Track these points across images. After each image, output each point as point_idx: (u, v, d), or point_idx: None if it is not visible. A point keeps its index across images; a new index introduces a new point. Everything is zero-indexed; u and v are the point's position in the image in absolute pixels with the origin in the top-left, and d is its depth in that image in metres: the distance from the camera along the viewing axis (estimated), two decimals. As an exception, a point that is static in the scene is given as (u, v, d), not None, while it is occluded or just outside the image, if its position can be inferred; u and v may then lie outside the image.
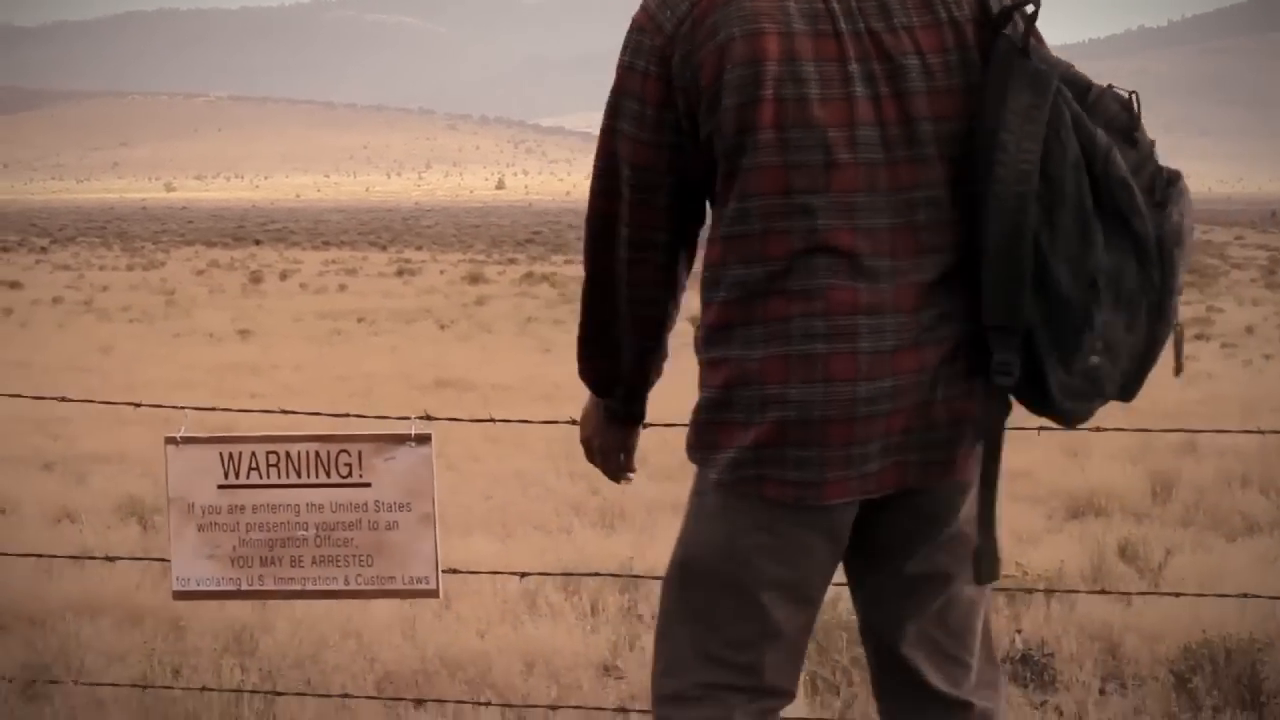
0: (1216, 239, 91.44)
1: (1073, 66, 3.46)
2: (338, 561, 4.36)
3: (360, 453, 4.36)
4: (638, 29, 3.51)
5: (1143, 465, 14.25)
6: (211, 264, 68.02)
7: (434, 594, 4.38)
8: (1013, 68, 3.39)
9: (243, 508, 4.38)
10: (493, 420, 5.46)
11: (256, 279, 56.79)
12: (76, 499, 12.44)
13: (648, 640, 7.56)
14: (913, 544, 3.55)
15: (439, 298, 47.30)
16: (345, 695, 6.15)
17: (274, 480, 4.38)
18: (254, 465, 4.39)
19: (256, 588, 4.37)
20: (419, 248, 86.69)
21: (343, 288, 52.44)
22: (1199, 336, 32.74)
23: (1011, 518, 11.43)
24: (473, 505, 12.33)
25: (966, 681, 3.64)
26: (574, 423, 4.03)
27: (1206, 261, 64.29)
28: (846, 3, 3.43)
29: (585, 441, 3.90)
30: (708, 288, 3.52)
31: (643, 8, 3.52)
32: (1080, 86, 3.45)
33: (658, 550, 9.92)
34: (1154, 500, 12.79)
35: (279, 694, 6.01)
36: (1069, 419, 3.47)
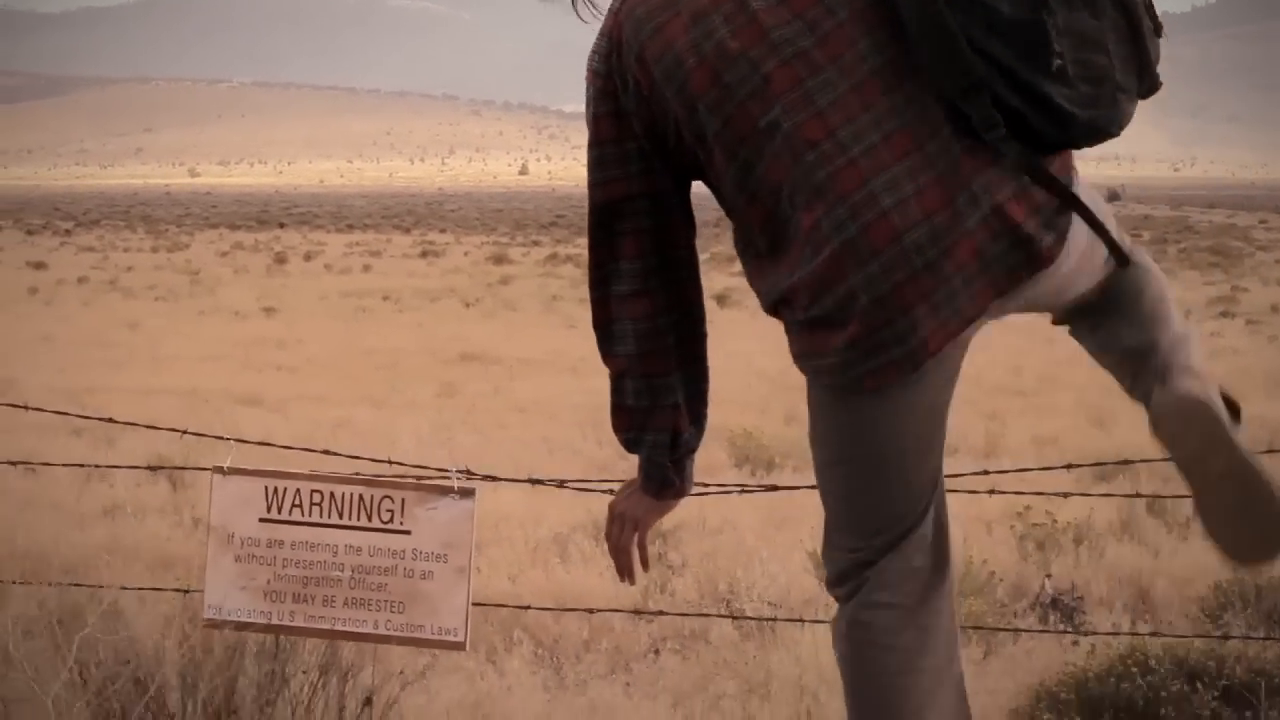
0: (1241, 222, 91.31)
1: None
2: (369, 605, 4.37)
3: (403, 500, 4.39)
4: (587, 84, 3.73)
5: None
6: (236, 246, 68.12)
7: (461, 647, 4.40)
8: None
9: (281, 543, 4.38)
10: (532, 481, 5.37)
11: (281, 260, 56.88)
12: (106, 459, 12.51)
13: (678, 584, 7.60)
14: (1062, 307, 3.72)
15: (463, 277, 47.33)
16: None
17: (315, 519, 4.39)
18: (297, 502, 4.40)
19: (286, 623, 4.35)
20: (443, 230, 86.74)
21: (367, 268, 52.50)
22: (1224, 314, 32.80)
23: (1039, 480, 11.44)
24: (499, 467, 12.35)
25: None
26: (610, 492, 4.03)
27: (1231, 244, 64.36)
28: None
29: (610, 507, 3.92)
30: (748, 253, 3.66)
31: (586, 68, 3.74)
32: None
33: (684, 502, 9.94)
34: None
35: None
36: (1105, 127, 3.53)
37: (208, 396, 18.97)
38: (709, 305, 3.97)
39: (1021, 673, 5.35)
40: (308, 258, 58.81)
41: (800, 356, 3.62)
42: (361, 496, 4.36)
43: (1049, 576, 7.31)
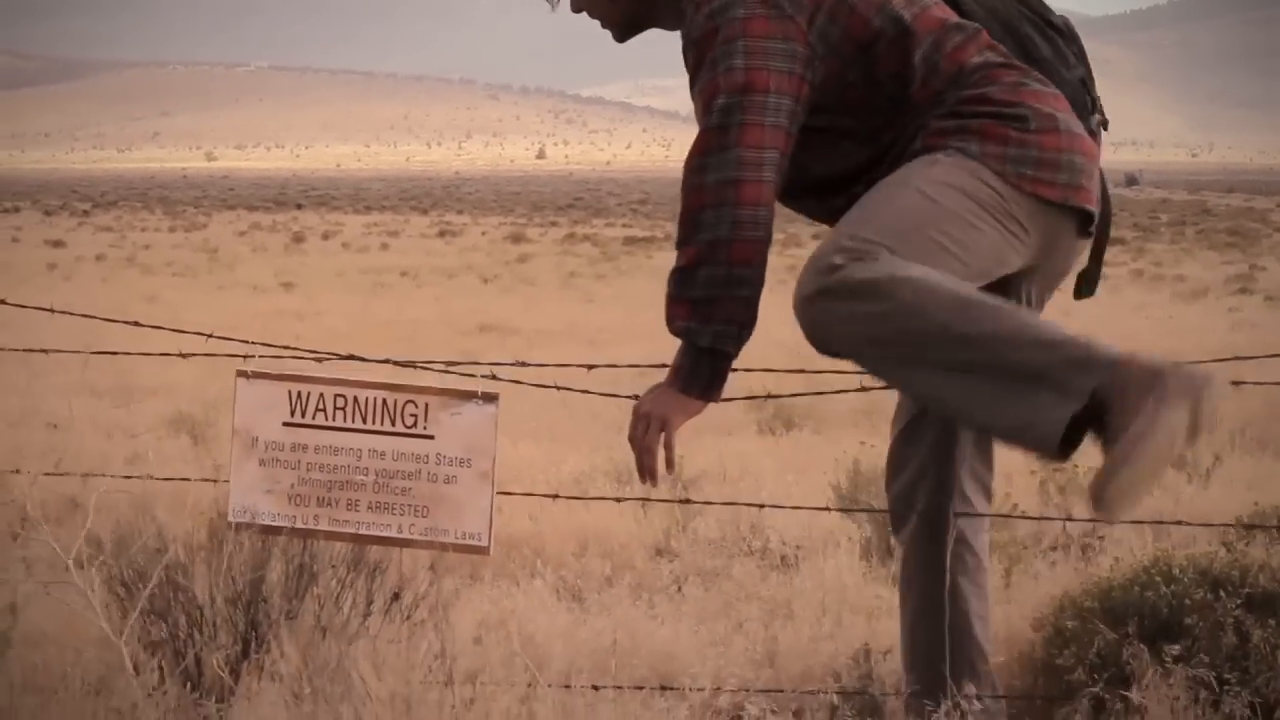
0: (1259, 206, 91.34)
1: None
2: (393, 509, 4.38)
3: (427, 405, 4.39)
4: None
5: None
6: (253, 226, 68.16)
7: (485, 551, 4.41)
8: None
9: (305, 447, 4.39)
10: (559, 386, 5.35)
11: (299, 239, 56.94)
12: (128, 416, 12.57)
13: (700, 524, 7.62)
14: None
15: (481, 255, 47.36)
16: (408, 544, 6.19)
17: (339, 423, 4.39)
18: (321, 406, 4.40)
19: (310, 526, 4.36)
20: (460, 212, 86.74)
21: (385, 247, 52.54)
22: (1243, 291, 32.85)
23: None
24: (518, 424, 12.37)
25: None
26: (635, 396, 4.09)
27: (1249, 226, 64.39)
28: None
29: (635, 409, 3.97)
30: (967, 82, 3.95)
31: None
32: None
33: (706, 454, 9.98)
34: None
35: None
36: None
37: (226, 365, 19.01)
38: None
39: (1045, 584, 5.38)
40: (325, 237, 58.88)
41: (979, 146, 3.88)
42: (385, 401, 4.37)
43: (1070, 519, 7.32)
